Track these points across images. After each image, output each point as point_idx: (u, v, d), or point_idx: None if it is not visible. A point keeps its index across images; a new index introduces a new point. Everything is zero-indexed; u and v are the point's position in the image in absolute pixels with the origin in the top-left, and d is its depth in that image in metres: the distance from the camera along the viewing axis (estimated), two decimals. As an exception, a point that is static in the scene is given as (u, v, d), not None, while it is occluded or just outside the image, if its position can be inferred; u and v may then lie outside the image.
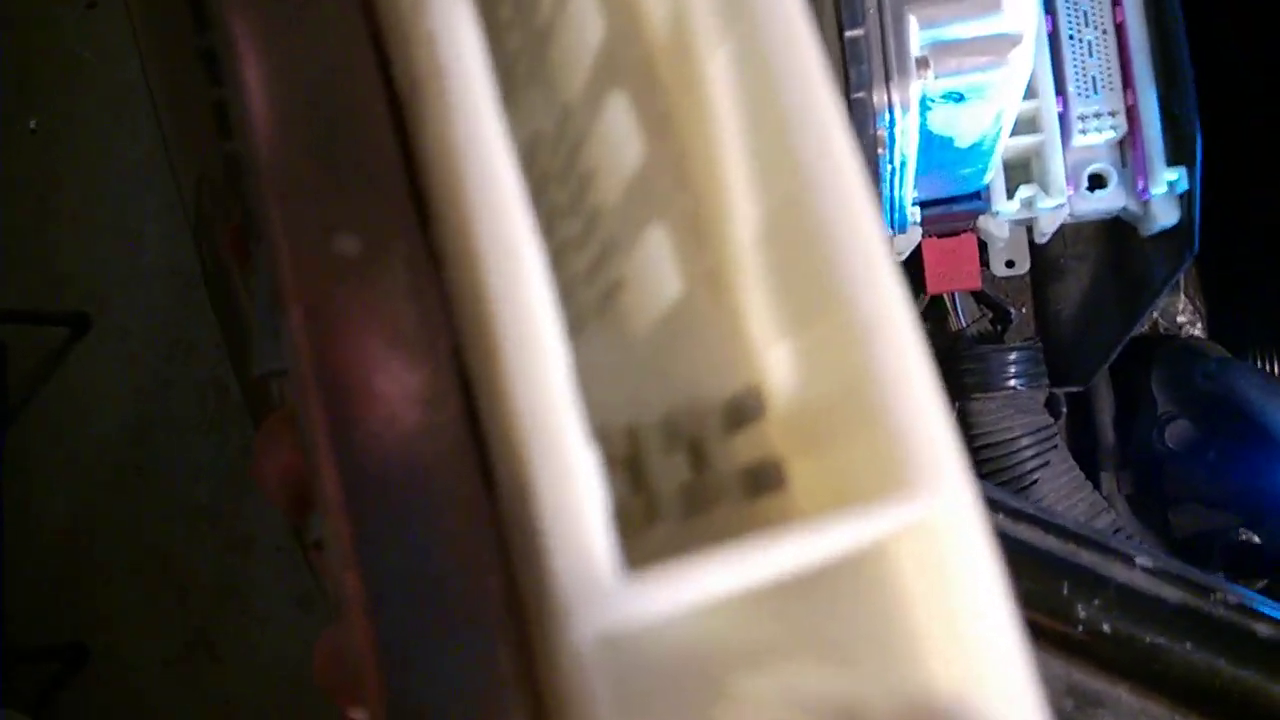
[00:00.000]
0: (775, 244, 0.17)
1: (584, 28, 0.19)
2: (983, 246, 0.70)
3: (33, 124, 1.61)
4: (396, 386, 0.15)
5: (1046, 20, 0.64)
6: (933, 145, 0.50)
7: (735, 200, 0.17)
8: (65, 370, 1.53)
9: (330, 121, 0.16)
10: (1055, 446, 0.69)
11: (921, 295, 0.71)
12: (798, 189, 0.15)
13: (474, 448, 0.15)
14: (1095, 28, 0.64)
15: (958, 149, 0.52)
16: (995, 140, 0.53)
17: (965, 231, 0.68)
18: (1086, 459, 0.72)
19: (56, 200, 1.57)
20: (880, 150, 0.45)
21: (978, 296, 0.73)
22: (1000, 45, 0.41)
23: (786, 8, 0.16)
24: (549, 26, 0.20)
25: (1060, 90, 0.63)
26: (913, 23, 0.41)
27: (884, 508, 0.14)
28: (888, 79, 0.41)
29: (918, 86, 0.42)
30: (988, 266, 0.72)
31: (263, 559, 1.42)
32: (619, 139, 0.19)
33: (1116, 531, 0.66)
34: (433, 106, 0.15)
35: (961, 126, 0.49)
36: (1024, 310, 0.75)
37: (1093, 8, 0.64)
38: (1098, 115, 0.63)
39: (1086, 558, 0.40)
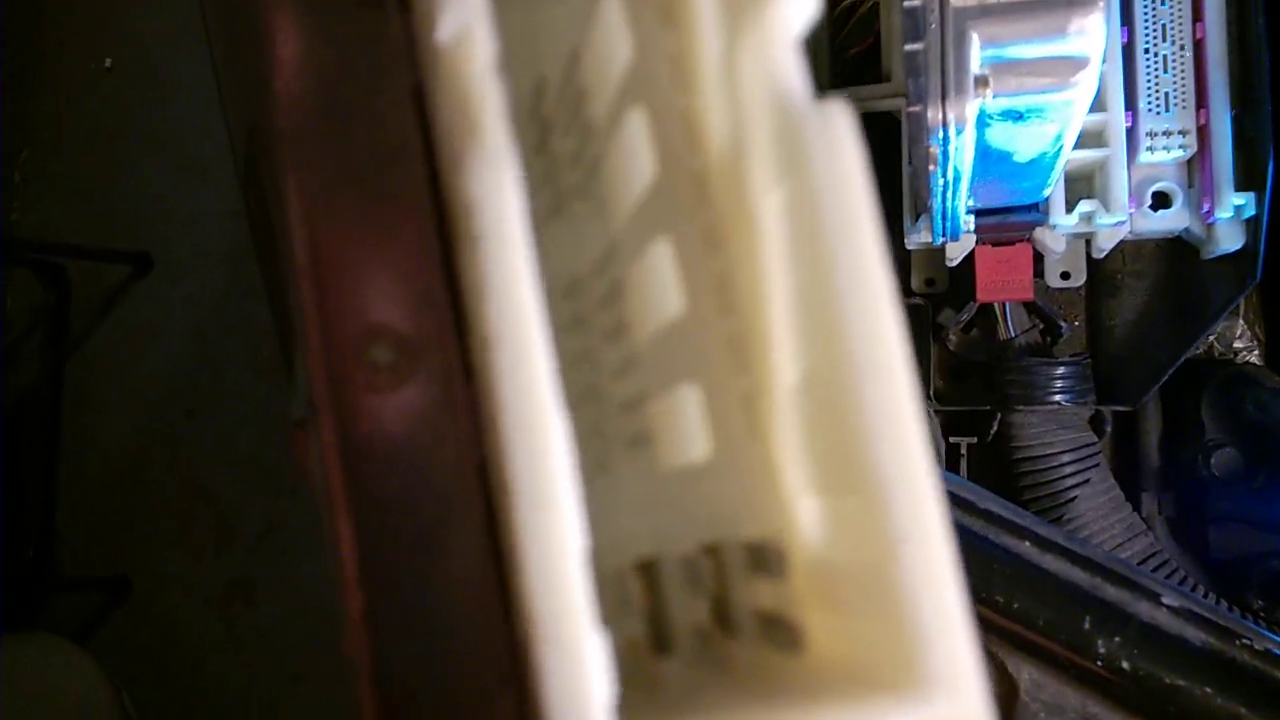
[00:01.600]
0: (813, 398, 0.17)
1: (635, 155, 0.19)
2: (1038, 256, 0.69)
3: (108, 63, 1.64)
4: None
5: (1122, 32, 0.62)
6: (990, 158, 0.49)
7: (779, 346, 0.17)
8: (126, 307, 1.56)
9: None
10: (1097, 465, 0.68)
11: (971, 302, 0.70)
12: (839, 355, 0.15)
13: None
14: (1173, 43, 0.62)
15: (1016, 163, 0.51)
16: (1055, 158, 0.51)
17: (1021, 241, 0.66)
18: (1129, 478, 0.70)
19: (126, 139, 1.60)
20: (932, 166, 0.44)
21: (1029, 307, 0.71)
22: (1064, 68, 0.40)
23: (845, 161, 0.16)
24: (602, 155, 0.20)
25: (1130, 105, 0.62)
26: (974, 40, 0.40)
27: (899, 706, 0.14)
28: (944, 95, 0.40)
29: (975, 105, 0.41)
30: (1041, 277, 0.71)
31: (307, 505, 1.45)
32: (661, 284, 0.19)
33: (1152, 556, 0.65)
34: (475, 270, 0.15)
35: (1020, 144, 0.48)
36: (1076, 323, 0.73)
37: (1172, 22, 0.62)
38: (1167, 133, 0.61)
39: (1112, 592, 0.40)
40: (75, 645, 1.16)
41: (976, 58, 0.40)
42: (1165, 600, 0.39)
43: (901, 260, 0.72)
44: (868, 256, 0.16)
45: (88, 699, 1.12)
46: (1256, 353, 0.70)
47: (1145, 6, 0.62)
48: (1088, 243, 0.67)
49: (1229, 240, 0.62)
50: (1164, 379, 0.67)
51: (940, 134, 0.42)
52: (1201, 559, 0.69)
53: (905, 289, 0.73)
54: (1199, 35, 0.61)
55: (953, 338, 0.74)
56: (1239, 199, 0.60)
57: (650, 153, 0.19)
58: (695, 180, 0.19)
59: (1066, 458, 0.67)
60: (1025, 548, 0.41)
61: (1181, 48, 0.62)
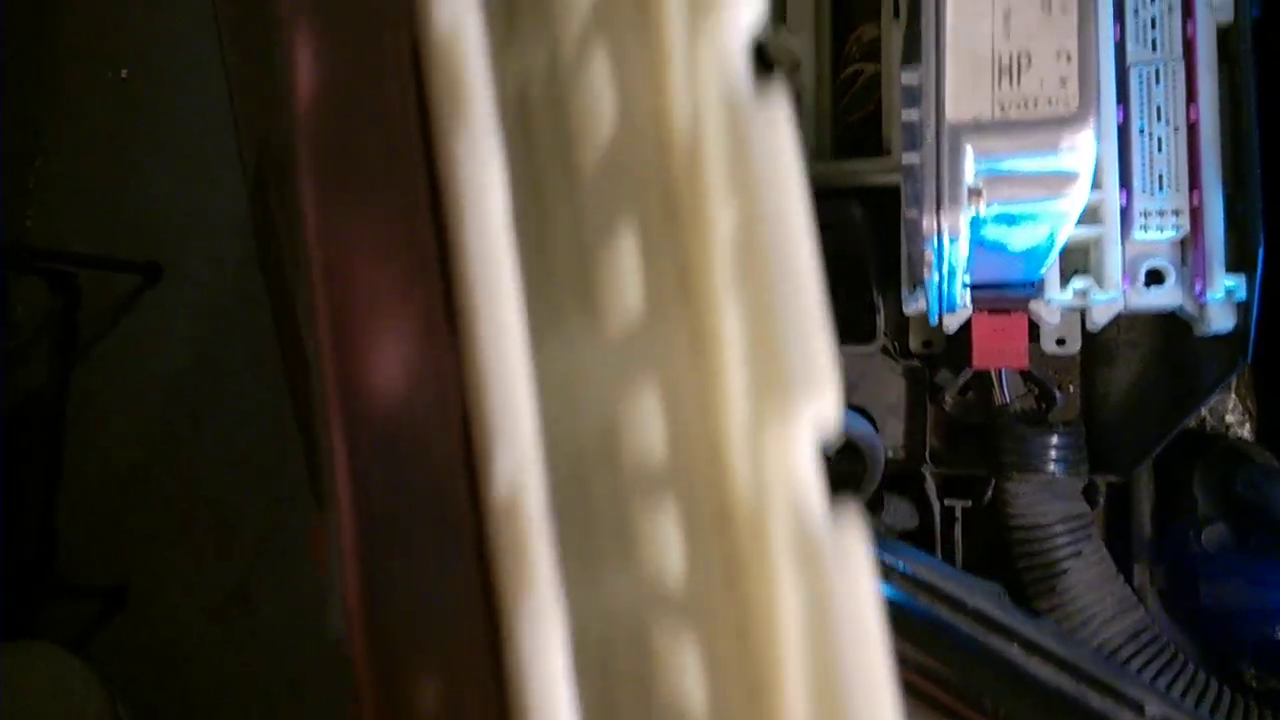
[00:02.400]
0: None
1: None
2: (1033, 324, 0.70)
3: (124, 73, 1.65)
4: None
5: (1117, 111, 0.63)
6: (985, 249, 0.50)
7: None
8: (134, 315, 1.58)
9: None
10: (1089, 536, 0.68)
11: (966, 368, 0.71)
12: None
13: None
14: (1167, 124, 0.63)
15: (1011, 253, 0.52)
16: (1049, 248, 0.52)
17: (1017, 310, 0.67)
18: (1121, 548, 0.71)
19: (139, 147, 1.61)
20: (927, 272, 0.45)
21: (1024, 374, 0.72)
22: (1056, 182, 0.41)
23: (780, 143, 0.19)
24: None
25: (1125, 184, 0.63)
26: (969, 154, 0.41)
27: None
28: (939, 206, 0.41)
29: (969, 215, 0.42)
30: (1037, 341, 0.72)
31: (308, 514, 1.46)
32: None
33: (1144, 631, 0.66)
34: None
35: (1014, 240, 0.49)
36: (1071, 389, 0.74)
37: (1166, 103, 0.63)
38: (1161, 213, 0.62)
39: (1096, 701, 0.41)
40: (70, 653, 1.17)
41: (971, 170, 0.41)
42: (1150, 711, 0.40)
43: (899, 323, 0.73)
44: (796, 221, 0.18)
45: (82, 708, 1.13)
46: (1248, 427, 0.71)
47: (1140, 87, 0.63)
48: (1083, 313, 0.68)
49: (1221, 320, 0.62)
50: (1156, 453, 0.68)
51: (935, 241, 0.43)
52: (1194, 631, 0.69)
53: (903, 350, 0.74)
54: (1193, 117, 0.62)
55: (949, 399, 0.75)
56: (1230, 281, 0.61)
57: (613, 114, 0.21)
58: (659, 165, 0.21)
59: (1059, 529, 0.68)
60: (1014, 651, 0.42)
61: (1176, 129, 0.63)
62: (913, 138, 0.42)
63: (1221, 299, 0.62)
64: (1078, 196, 0.42)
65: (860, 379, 0.76)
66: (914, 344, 0.74)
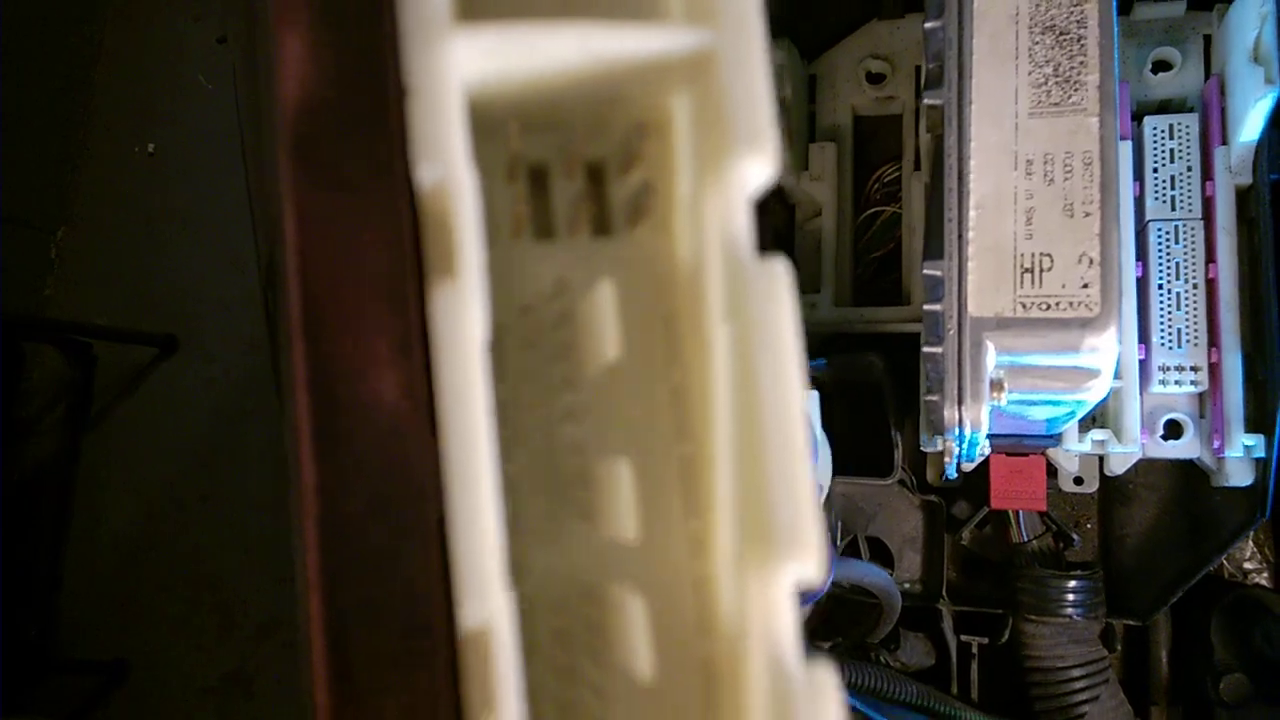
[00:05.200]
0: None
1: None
2: (1051, 465, 0.70)
3: (151, 148, 1.68)
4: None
5: (1137, 266, 0.64)
6: (1005, 418, 0.51)
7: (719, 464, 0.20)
8: (148, 388, 1.59)
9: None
10: (1107, 680, 0.68)
11: (985, 507, 0.71)
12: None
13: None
14: (1186, 281, 0.63)
15: (1031, 421, 0.52)
16: (1069, 419, 0.53)
17: (1036, 453, 0.68)
18: (1138, 690, 0.71)
19: (162, 223, 1.64)
20: (948, 459, 0.46)
21: (1042, 513, 0.72)
22: (1077, 377, 0.42)
23: (778, 312, 0.20)
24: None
25: (1144, 338, 0.63)
26: (990, 350, 0.41)
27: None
28: (960, 400, 0.42)
29: (989, 407, 0.42)
30: (1054, 478, 0.72)
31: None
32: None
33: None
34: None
35: (1033, 415, 0.49)
36: (1089, 526, 0.74)
37: (1185, 260, 0.64)
38: (1179, 369, 0.63)
39: None
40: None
41: (992, 364, 0.42)
42: None
43: (917, 456, 0.74)
44: (791, 398, 0.20)
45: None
46: (1266, 574, 0.71)
47: (1160, 243, 0.64)
48: (1101, 458, 0.69)
49: (1239, 476, 0.63)
50: (1174, 600, 0.67)
51: (955, 431, 0.43)
52: (1210, 778, 0.69)
53: (921, 484, 0.75)
54: (1211, 275, 0.63)
55: (966, 535, 0.75)
56: (1249, 440, 0.61)
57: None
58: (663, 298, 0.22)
59: (1077, 673, 0.68)
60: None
61: (1194, 286, 0.63)
62: (935, 328, 0.43)
63: (1240, 456, 0.62)
64: (1098, 390, 0.43)
65: (878, 511, 0.76)
66: (931, 477, 0.74)
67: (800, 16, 0.74)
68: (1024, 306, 0.41)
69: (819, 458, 0.45)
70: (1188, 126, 0.65)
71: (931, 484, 0.75)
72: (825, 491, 0.46)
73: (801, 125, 0.72)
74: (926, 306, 0.43)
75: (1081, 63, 0.44)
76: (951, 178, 0.43)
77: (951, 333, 0.42)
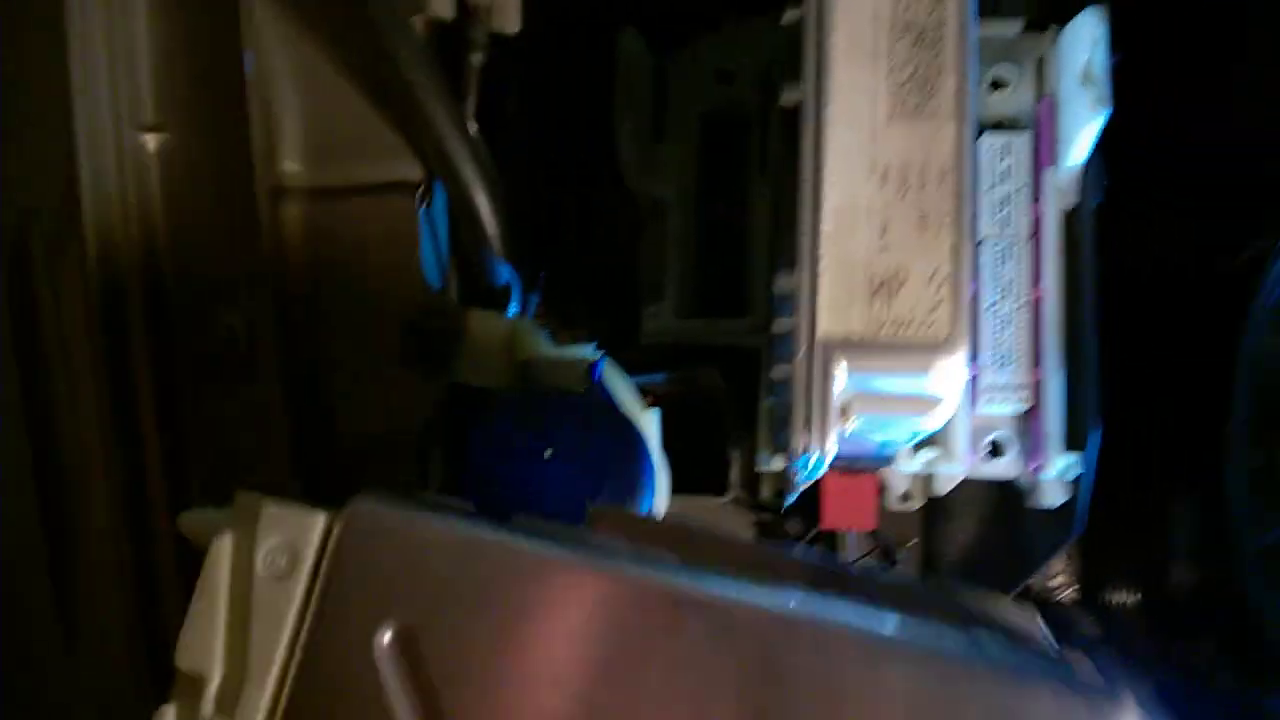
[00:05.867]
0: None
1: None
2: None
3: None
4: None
5: (971, 285, 0.64)
6: (847, 441, 0.49)
7: None
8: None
9: None
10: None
11: (816, 526, 0.70)
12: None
13: None
14: (1014, 300, 0.64)
15: (868, 442, 0.51)
16: (909, 442, 0.52)
17: (867, 472, 0.67)
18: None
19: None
20: (792, 486, 0.44)
21: (870, 532, 0.72)
22: (923, 403, 0.40)
23: None
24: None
25: (973, 357, 0.64)
26: (841, 373, 0.39)
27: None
28: (809, 424, 0.40)
29: (836, 433, 0.40)
30: (882, 494, 0.72)
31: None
32: None
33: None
34: None
35: (875, 437, 0.48)
36: (913, 542, 0.75)
37: (1015, 281, 0.65)
38: (1005, 388, 0.64)
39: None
40: None
41: (841, 387, 0.40)
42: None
43: (751, 473, 0.72)
44: None
45: None
46: (1073, 589, 0.73)
47: (992, 262, 0.65)
48: (927, 479, 0.69)
49: (1054, 495, 0.64)
50: (991, 616, 0.69)
51: (803, 459, 0.41)
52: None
53: (755, 502, 0.73)
54: (1037, 296, 0.64)
55: (795, 551, 0.74)
56: (1064, 460, 0.63)
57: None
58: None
59: (897, 691, 0.68)
60: None
61: (1021, 306, 0.64)
62: (785, 347, 0.41)
63: (1056, 476, 0.63)
64: (944, 415, 0.41)
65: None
66: (765, 494, 0.73)
67: (651, 9, 0.71)
68: (876, 327, 0.39)
69: (657, 481, 0.42)
70: (1020, 146, 0.66)
71: (765, 503, 0.73)
72: (660, 515, 0.44)
73: (647, 120, 0.69)
74: (775, 324, 0.41)
75: (939, 66, 0.43)
76: (806, 185, 0.41)
77: (801, 353, 0.40)
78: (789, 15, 0.44)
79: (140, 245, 0.48)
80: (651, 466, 0.42)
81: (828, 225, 0.39)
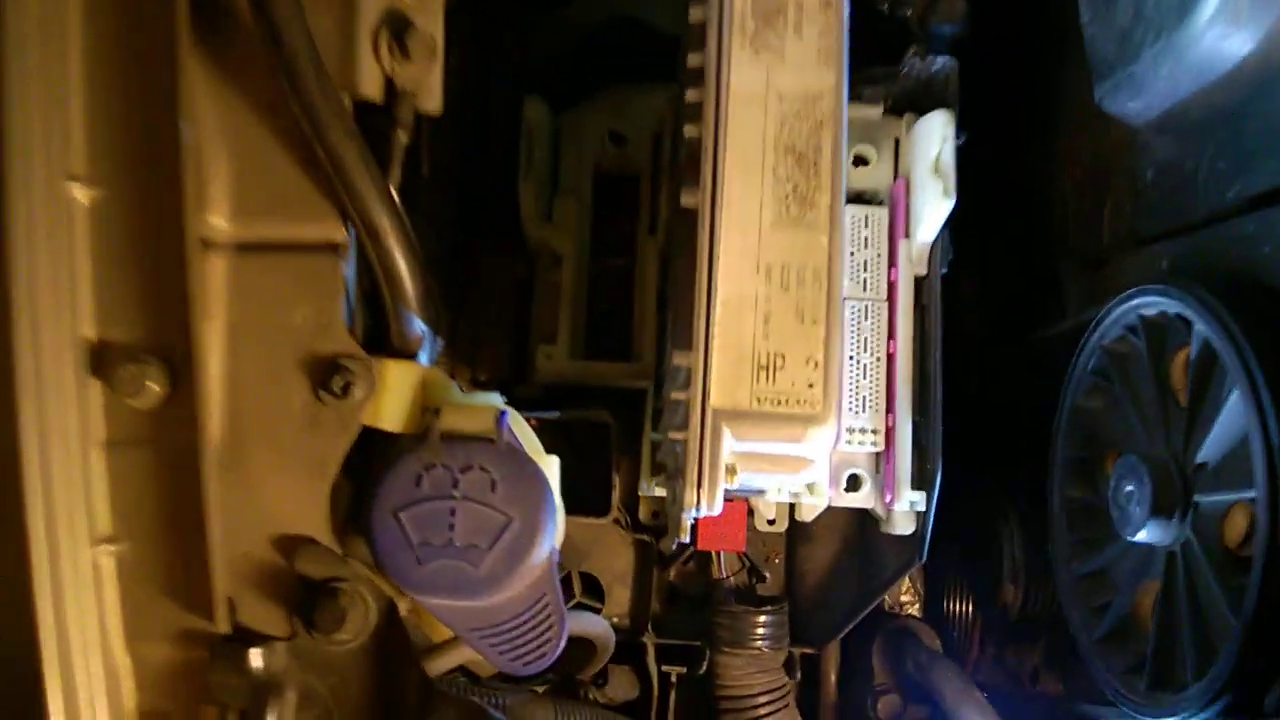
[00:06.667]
0: None
1: None
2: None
3: None
4: None
5: (833, 337, 0.72)
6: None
7: None
8: None
9: None
10: (788, 705, 0.76)
11: (690, 547, 0.77)
12: None
13: None
14: (871, 354, 0.73)
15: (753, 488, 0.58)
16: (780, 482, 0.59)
17: (739, 500, 0.75)
18: (811, 714, 0.80)
19: None
20: (682, 532, 0.50)
21: (739, 552, 0.80)
22: (796, 464, 0.47)
23: None
24: None
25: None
26: (728, 438, 0.46)
27: None
28: (699, 483, 0.46)
29: (722, 490, 0.47)
30: (750, 517, 0.80)
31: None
32: None
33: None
34: None
35: (755, 484, 0.54)
36: (777, 561, 0.83)
37: (872, 336, 0.73)
38: (863, 430, 0.72)
39: None
40: None
41: (728, 451, 0.46)
42: None
43: (632, 494, 0.79)
44: None
45: None
46: (917, 606, 0.82)
47: (853, 320, 0.73)
48: (792, 507, 0.77)
49: (903, 526, 0.72)
50: (845, 631, 0.77)
51: (691, 512, 0.47)
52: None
53: (634, 522, 0.80)
54: (891, 351, 0.73)
55: (673, 571, 0.81)
56: (913, 496, 0.71)
57: None
58: None
59: (763, 699, 0.75)
60: None
61: (878, 359, 0.73)
62: (679, 415, 0.47)
63: (906, 510, 0.72)
64: (813, 474, 0.48)
65: (593, 548, 0.80)
66: (644, 515, 0.79)
67: (551, 72, 0.76)
68: (759, 401, 0.46)
69: (555, 522, 0.47)
70: (879, 218, 0.74)
71: (644, 523, 0.80)
72: (557, 555, 0.49)
73: (547, 178, 0.75)
74: (671, 392, 0.47)
75: (816, 185, 0.50)
76: (702, 277, 0.47)
77: (694, 421, 0.46)
78: (689, 130, 0.51)
79: (68, 294, 0.50)
80: (554, 508, 0.47)
81: (719, 313, 0.46)
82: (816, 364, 0.46)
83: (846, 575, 0.81)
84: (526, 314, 0.73)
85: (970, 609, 0.83)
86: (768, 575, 0.80)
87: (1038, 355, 0.81)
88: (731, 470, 0.47)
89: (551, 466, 0.52)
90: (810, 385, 0.46)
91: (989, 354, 0.84)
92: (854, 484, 0.74)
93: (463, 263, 0.73)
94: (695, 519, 0.58)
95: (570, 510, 0.75)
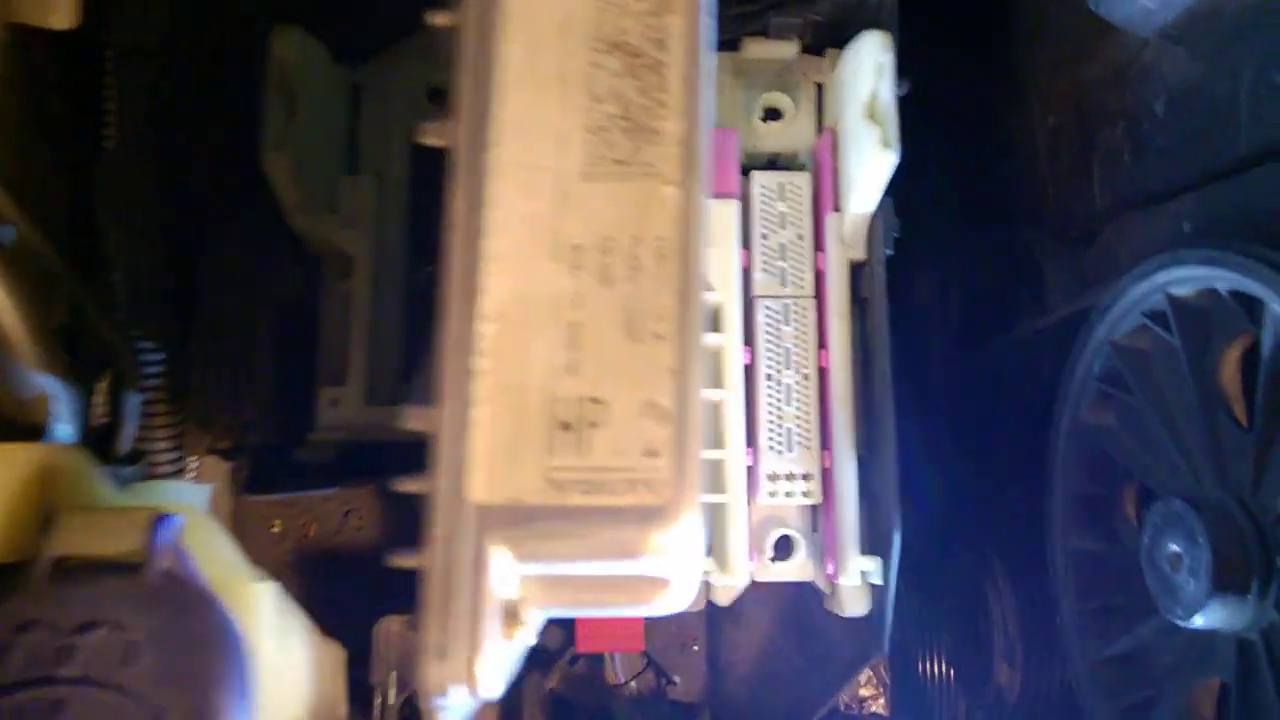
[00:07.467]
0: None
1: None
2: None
3: None
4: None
5: (745, 352, 0.53)
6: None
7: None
8: None
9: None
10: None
11: (570, 649, 0.56)
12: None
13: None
14: (797, 370, 0.53)
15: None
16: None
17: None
18: None
19: None
20: None
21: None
22: (642, 587, 0.27)
23: None
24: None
25: (751, 441, 0.52)
26: (503, 560, 0.25)
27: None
28: (444, 650, 0.25)
29: (496, 655, 0.26)
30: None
31: None
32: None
33: None
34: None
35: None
36: (695, 649, 0.62)
37: (796, 345, 0.53)
38: (789, 477, 0.52)
39: None
40: None
41: (506, 581, 0.26)
42: None
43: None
44: None
45: None
46: (882, 700, 0.62)
47: (769, 324, 0.53)
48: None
49: (854, 605, 0.53)
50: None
51: (445, 696, 0.26)
52: None
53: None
54: (823, 363, 0.53)
55: (556, 674, 0.60)
56: (864, 563, 0.51)
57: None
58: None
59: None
60: None
61: (806, 376, 0.53)
62: (421, 530, 0.26)
63: (856, 583, 0.52)
64: (677, 601, 0.28)
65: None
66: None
67: (337, 7, 0.56)
68: (557, 487, 0.25)
69: (249, 702, 0.28)
70: (799, 187, 0.54)
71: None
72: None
73: (335, 152, 0.54)
74: (403, 486, 0.26)
75: (660, 101, 0.29)
76: (454, 269, 0.26)
77: (437, 532, 0.25)
78: (439, 17, 0.30)
79: None
80: (243, 680, 0.27)
81: (487, 331, 0.25)
82: (662, 412, 0.25)
83: (788, 668, 0.61)
84: (307, 344, 0.51)
85: (952, 686, 0.64)
86: (678, 679, 0.60)
87: (1016, 360, 0.62)
88: (514, 616, 0.26)
89: (259, 599, 0.31)
90: (651, 452, 0.25)
91: (953, 361, 0.65)
92: (784, 549, 0.54)
93: (189, 270, 0.51)
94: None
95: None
